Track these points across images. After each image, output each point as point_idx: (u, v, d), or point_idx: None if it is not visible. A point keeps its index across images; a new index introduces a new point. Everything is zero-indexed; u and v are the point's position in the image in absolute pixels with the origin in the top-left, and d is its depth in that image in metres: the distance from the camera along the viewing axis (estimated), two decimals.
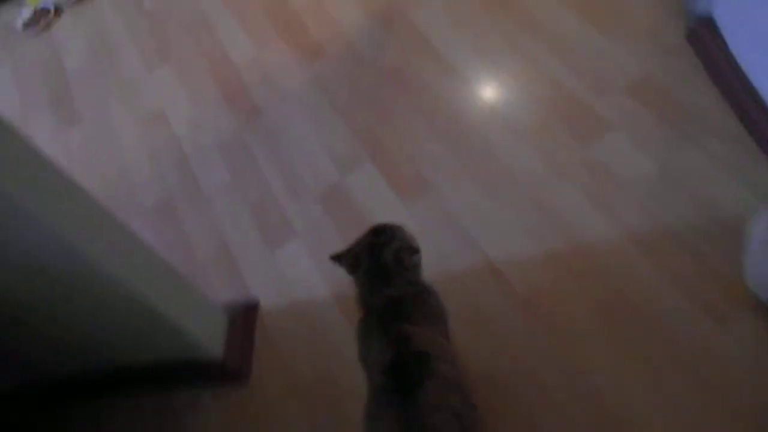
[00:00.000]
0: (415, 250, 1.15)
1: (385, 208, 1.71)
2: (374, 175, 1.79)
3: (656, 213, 1.48)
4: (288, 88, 2.10)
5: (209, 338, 1.49)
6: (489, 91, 1.86)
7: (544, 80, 1.79)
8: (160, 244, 1.84)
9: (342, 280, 1.27)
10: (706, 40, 1.64)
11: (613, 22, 1.82)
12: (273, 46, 2.23)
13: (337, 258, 1.18)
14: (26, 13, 2.70)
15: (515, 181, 1.65)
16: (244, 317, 1.63)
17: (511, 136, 1.73)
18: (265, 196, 1.86)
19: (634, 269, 1.43)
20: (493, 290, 1.49)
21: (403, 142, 1.83)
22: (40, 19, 2.68)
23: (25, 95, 2.42)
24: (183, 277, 1.46)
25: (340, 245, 1.24)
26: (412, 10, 2.12)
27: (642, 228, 1.47)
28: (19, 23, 2.69)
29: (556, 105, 1.73)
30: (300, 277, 1.68)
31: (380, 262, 1.11)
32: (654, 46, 1.74)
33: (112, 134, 2.20)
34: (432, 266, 1.27)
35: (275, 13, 2.34)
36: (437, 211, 1.66)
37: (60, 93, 2.39)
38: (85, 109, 2.30)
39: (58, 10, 2.73)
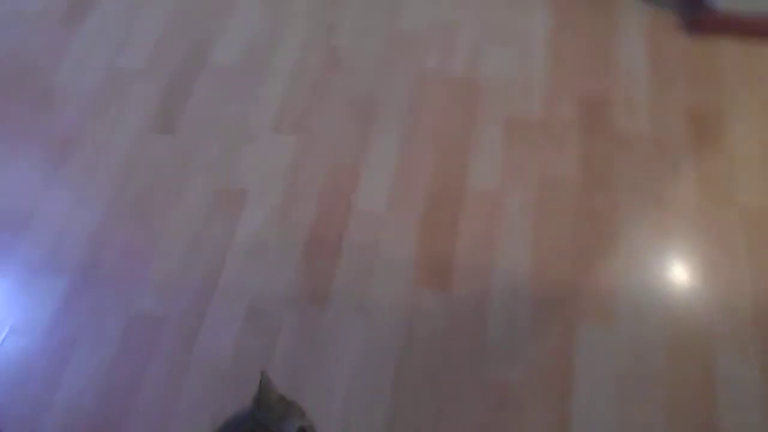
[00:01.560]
0: None
1: None
2: None
3: None
4: (377, 295, 1.51)
5: None
6: None
7: None
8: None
9: None
10: None
11: None
12: (405, 222, 1.62)
13: None
14: None
15: None
16: None
17: None
18: None
19: None
20: None
21: None
22: None
23: (157, 54, 1.99)
24: None
25: None
26: (581, 325, 1.43)
27: None
28: None
29: None
30: None
31: None
32: None
33: (185, 169, 1.73)
34: None
35: (444, 192, 1.70)
36: None
37: (186, 85, 1.93)
38: (188, 120, 1.85)
39: None
